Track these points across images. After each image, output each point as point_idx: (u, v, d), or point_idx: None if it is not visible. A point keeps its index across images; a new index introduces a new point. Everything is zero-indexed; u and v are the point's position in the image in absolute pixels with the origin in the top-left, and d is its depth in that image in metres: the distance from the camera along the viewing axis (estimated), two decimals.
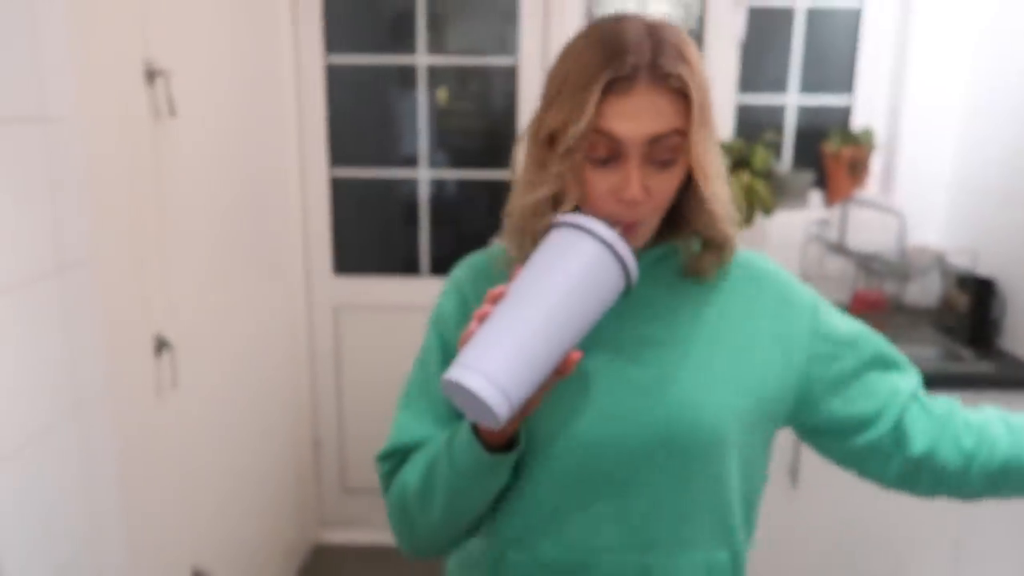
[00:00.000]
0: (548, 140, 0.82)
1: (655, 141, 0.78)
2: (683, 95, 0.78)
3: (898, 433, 0.90)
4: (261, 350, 2.30)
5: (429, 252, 2.70)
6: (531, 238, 0.85)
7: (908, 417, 0.90)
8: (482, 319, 0.72)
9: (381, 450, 0.92)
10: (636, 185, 0.78)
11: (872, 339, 0.93)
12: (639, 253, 0.87)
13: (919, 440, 0.90)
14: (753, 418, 0.87)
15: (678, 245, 0.90)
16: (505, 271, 0.91)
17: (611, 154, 0.79)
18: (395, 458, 0.91)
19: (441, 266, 2.71)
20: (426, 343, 0.94)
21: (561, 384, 0.81)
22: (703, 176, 0.81)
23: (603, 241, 0.73)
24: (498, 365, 0.68)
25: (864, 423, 0.90)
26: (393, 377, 2.71)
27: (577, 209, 0.83)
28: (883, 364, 0.92)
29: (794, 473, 1.95)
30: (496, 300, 0.73)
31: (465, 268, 0.97)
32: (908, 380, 0.93)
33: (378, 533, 2.76)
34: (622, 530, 0.86)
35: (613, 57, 0.76)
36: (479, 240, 2.69)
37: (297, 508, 2.62)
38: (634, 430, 0.84)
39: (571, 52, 0.81)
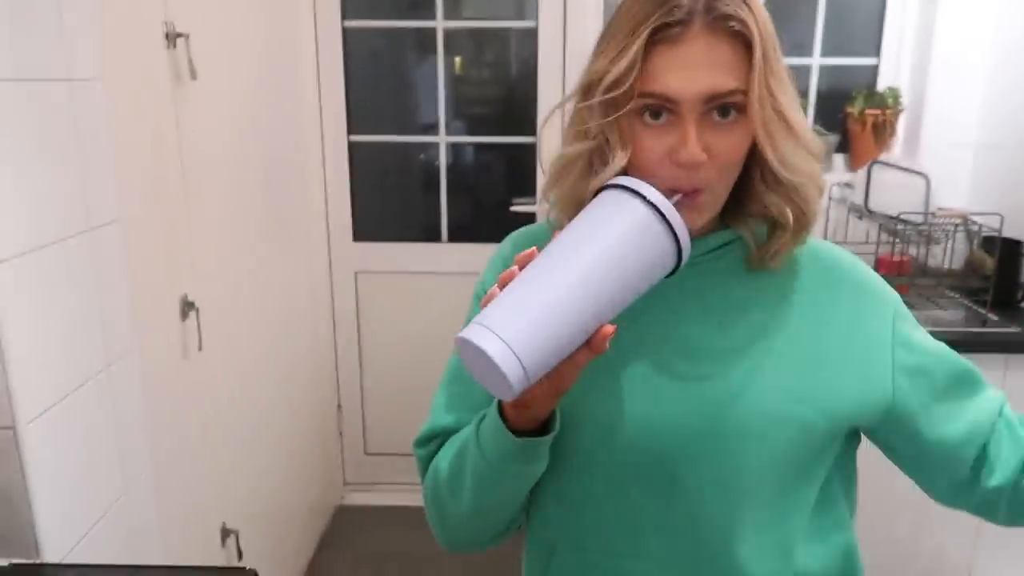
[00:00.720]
0: (588, 92, 0.74)
1: (713, 101, 0.69)
2: (745, 44, 0.69)
3: (978, 462, 0.82)
4: (284, 315, 2.32)
5: (448, 219, 2.70)
6: (572, 204, 0.76)
7: (992, 442, 0.82)
8: (507, 281, 0.66)
9: (417, 435, 0.88)
10: (693, 144, 0.69)
11: (952, 356, 0.84)
12: (697, 240, 0.77)
13: (1000, 470, 0.81)
14: (823, 435, 0.79)
15: (742, 231, 0.79)
16: None
17: (664, 109, 0.71)
18: (431, 444, 0.87)
19: (460, 234, 2.71)
20: (468, 320, 0.87)
21: (602, 378, 0.77)
22: (767, 139, 0.71)
23: (650, 204, 0.65)
24: (515, 328, 0.61)
25: (947, 448, 0.82)
26: (414, 342, 2.75)
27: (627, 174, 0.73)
28: (969, 384, 0.83)
29: None
30: (525, 263, 0.66)
31: (512, 241, 0.90)
32: (993, 400, 0.84)
33: (399, 496, 2.80)
34: (668, 541, 0.80)
35: (663, 2, 0.69)
36: (499, 207, 2.69)
37: (321, 470, 2.66)
38: (676, 436, 0.77)
39: (622, 5, 0.74)
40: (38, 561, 1.05)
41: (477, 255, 2.64)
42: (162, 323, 1.55)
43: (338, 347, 2.77)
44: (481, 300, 0.66)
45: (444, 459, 0.82)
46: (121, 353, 1.26)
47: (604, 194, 0.69)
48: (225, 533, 1.78)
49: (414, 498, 2.72)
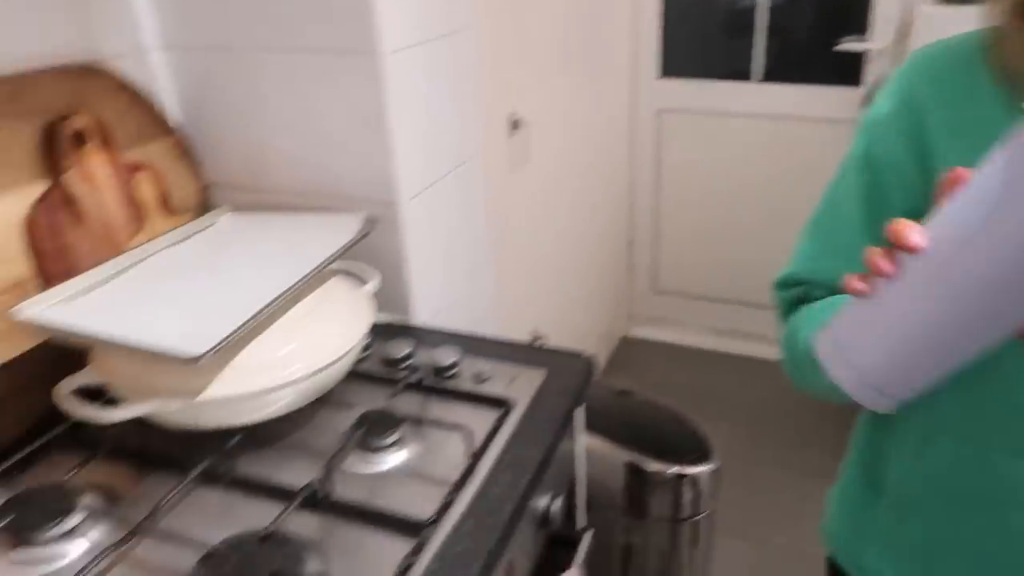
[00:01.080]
0: None
1: None
2: None
3: None
4: (587, 146, 2.37)
5: (764, 57, 2.53)
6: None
7: None
8: (879, 274, 0.51)
9: (779, 276, 0.82)
10: None
11: None
12: None
13: None
14: None
15: None
16: (976, 68, 0.66)
17: None
18: (791, 290, 0.80)
19: (774, 73, 2.53)
20: (850, 151, 0.76)
21: None
22: None
23: None
24: (881, 364, 0.51)
25: None
26: (711, 185, 2.70)
27: None
28: None
29: None
30: (901, 240, 0.49)
31: (917, 61, 0.72)
32: None
33: (684, 334, 2.86)
34: None
35: None
36: (821, 47, 2.46)
37: (610, 299, 2.78)
38: None
39: None
40: (411, 322, 1.21)
41: (792, 97, 2.50)
42: (495, 134, 1.65)
43: (636, 183, 2.80)
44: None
45: (803, 326, 0.74)
46: (471, 154, 1.36)
47: (1020, 144, 0.44)
48: (535, 337, 1.94)
49: (698, 339, 2.81)
